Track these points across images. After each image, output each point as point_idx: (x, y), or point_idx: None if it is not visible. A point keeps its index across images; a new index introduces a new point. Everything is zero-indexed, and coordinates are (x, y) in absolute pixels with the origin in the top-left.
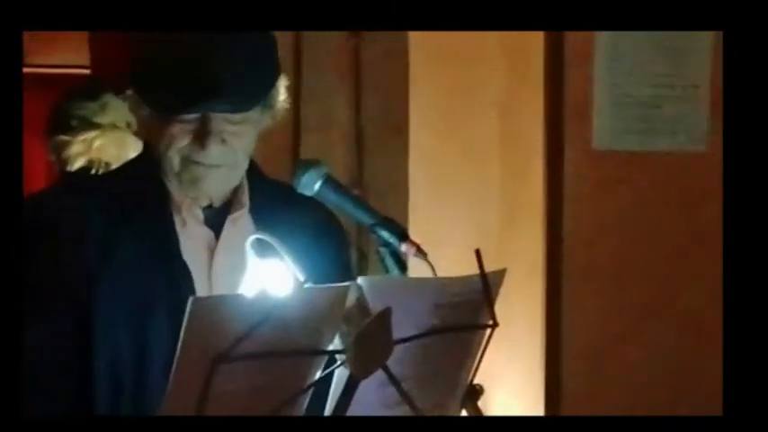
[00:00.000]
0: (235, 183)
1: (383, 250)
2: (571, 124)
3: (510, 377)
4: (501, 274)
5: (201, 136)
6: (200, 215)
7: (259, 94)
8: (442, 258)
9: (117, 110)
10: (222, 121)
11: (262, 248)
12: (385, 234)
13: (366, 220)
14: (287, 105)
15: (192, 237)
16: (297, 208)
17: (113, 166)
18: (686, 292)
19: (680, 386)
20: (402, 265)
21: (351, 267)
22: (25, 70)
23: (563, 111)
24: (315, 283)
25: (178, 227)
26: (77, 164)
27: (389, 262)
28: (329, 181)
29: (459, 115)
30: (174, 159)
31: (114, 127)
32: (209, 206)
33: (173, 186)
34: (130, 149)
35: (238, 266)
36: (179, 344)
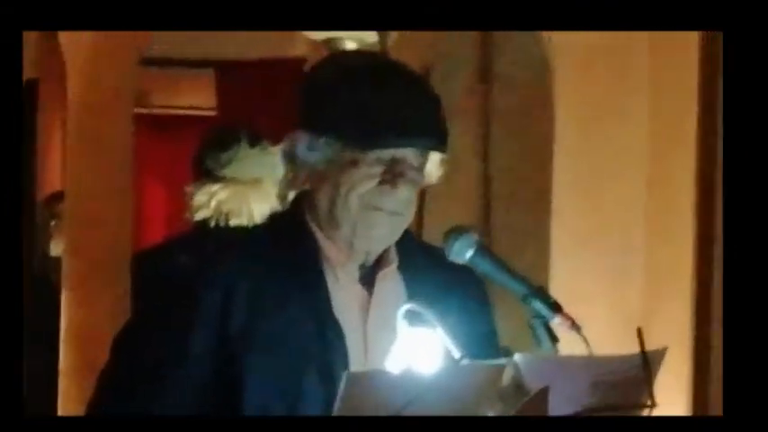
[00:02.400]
0: (398, 236)
1: (536, 322)
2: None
3: None
4: (662, 352)
5: (393, 177)
6: (356, 272)
7: (446, 138)
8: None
9: (246, 162)
10: (408, 167)
11: (413, 318)
12: (538, 305)
13: (519, 289)
14: (440, 174)
15: (345, 295)
16: (446, 271)
17: (233, 221)
18: None
19: None
20: (554, 338)
21: (497, 336)
22: (146, 111)
23: (714, 173)
24: (460, 350)
25: (330, 284)
26: (199, 215)
27: (541, 333)
28: (481, 249)
29: (605, 175)
30: (353, 204)
31: (238, 181)
32: (362, 264)
33: (328, 242)
34: (254, 205)
35: (390, 324)
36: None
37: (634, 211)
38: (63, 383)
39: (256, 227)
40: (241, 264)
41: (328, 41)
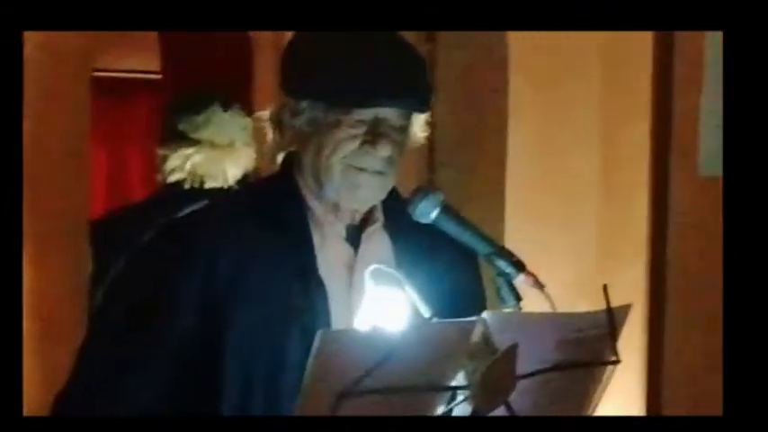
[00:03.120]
0: (383, 196)
1: (499, 280)
2: (677, 150)
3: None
4: (626, 309)
5: (374, 138)
6: (343, 231)
7: (429, 99)
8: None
9: (220, 126)
10: (390, 128)
11: (382, 278)
12: (502, 264)
13: (483, 249)
14: (424, 135)
15: (331, 254)
16: (432, 229)
17: (208, 184)
18: None
19: None
20: (517, 296)
21: (484, 298)
22: (96, 74)
23: (670, 138)
24: (446, 309)
25: (316, 243)
26: (173, 178)
27: (505, 292)
28: (446, 209)
29: (560, 144)
30: (335, 166)
31: (213, 144)
32: (350, 224)
33: (315, 201)
34: (228, 168)
35: None
36: (306, 375)
37: (587, 177)
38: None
39: (248, 186)
40: (230, 221)
41: None
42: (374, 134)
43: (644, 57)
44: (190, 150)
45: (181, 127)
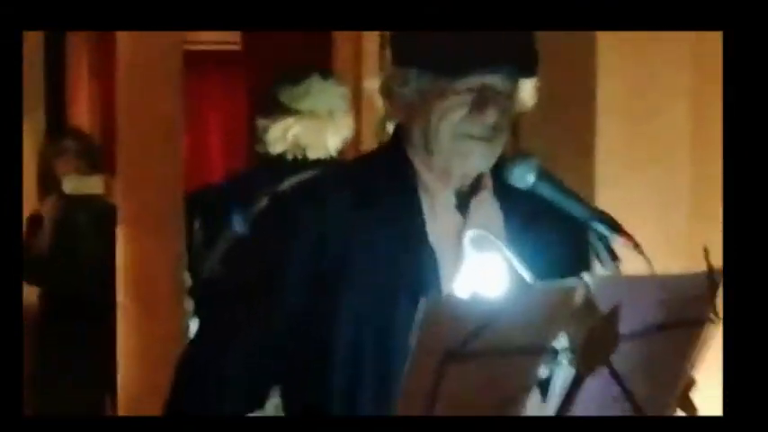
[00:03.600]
0: (492, 162)
1: (598, 244)
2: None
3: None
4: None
5: (481, 104)
6: (452, 198)
7: (535, 65)
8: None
9: (320, 96)
10: (497, 94)
11: (482, 244)
12: (600, 227)
13: (581, 213)
14: (533, 102)
15: (441, 221)
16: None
17: (310, 154)
18: None
19: None
20: (615, 258)
21: (589, 259)
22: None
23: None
24: (554, 275)
25: (426, 211)
26: (275, 149)
27: (604, 256)
28: (542, 174)
29: (647, 109)
30: (444, 134)
31: (313, 114)
32: (458, 191)
33: (425, 170)
34: (329, 138)
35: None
36: (413, 342)
37: (680, 140)
38: (120, 314)
39: (361, 157)
40: (339, 191)
41: None
42: (481, 101)
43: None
44: (290, 120)
45: (281, 98)
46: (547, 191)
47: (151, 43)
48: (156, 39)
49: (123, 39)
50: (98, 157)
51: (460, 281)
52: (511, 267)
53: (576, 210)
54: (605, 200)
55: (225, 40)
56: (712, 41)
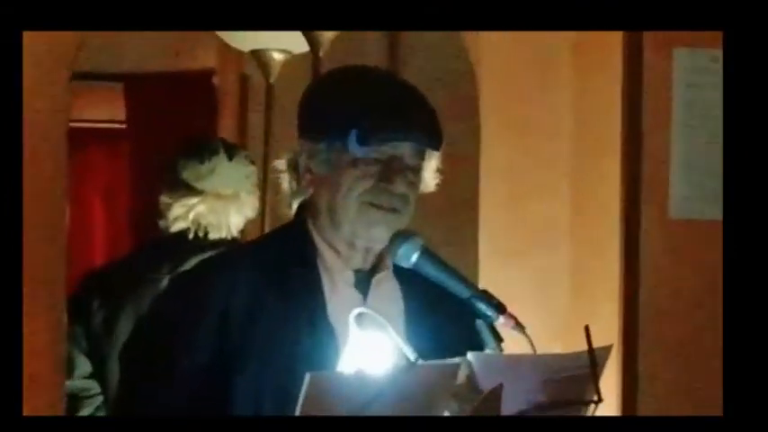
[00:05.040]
0: None
1: (480, 323)
2: (648, 193)
3: None
4: (608, 350)
5: (389, 174)
6: (352, 277)
7: (441, 140)
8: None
9: (225, 176)
10: (405, 166)
11: (367, 322)
12: (483, 307)
13: (464, 292)
14: (436, 182)
15: (341, 300)
16: None
17: (212, 234)
18: None
19: None
20: (499, 338)
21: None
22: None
23: (640, 180)
24: (449, 351)
25: (326, 290)
26: (176, 227)
27: (486, 335)
28: (426, 253)
29: (530, 186)
30: (351, 204)
31: (217, 195)
32: (359, 270)
33: (326, 248)
34: (232, 217)
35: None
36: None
37: (560, 222)
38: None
39: (265, 236)
40: (242, 269)
41: (255, 52)
42: (390, 172)
43: (614, 93)
44: (194, 200)
45: (185, 176)
46: (430, 269)
47: (34, 121)
48: (41, 115)
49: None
50: None
51: (345, 359)
52: (395, 346)
53: (458, 288)
54: (488, 282)
55: (110, 118)
56: (595, 114)
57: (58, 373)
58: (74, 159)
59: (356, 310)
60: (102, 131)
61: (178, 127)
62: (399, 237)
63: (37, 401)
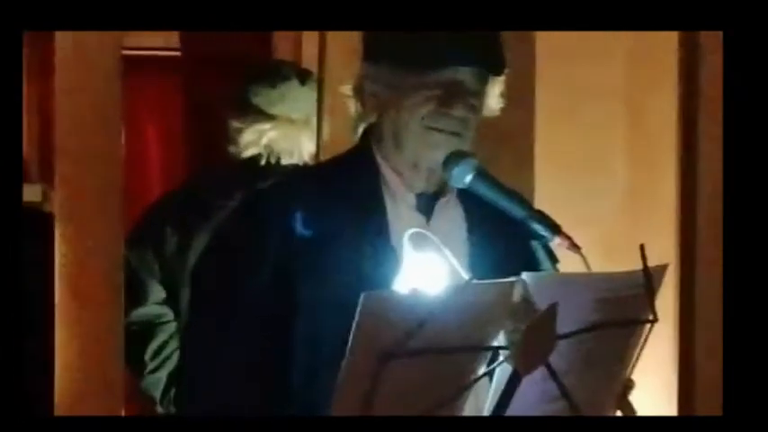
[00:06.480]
0: None
1: (535, 243)
2: (704, 122)
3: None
4: (663, 269)
5: (449, 99)
6: (413, 200)
7: (503, 65)
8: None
9: (297, 101)
10: (466, 90)
11: (422, 242)
12: (538, 227)
13: (519, 213)
14: (500, 106)
15: (403, 222)
16: None
17: (284, 160)
18: None
19: None
20: (554, 259)
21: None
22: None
23: (696, 108)
24: (508, 272)
25: (389, 212)
26: (248, 152)
27: (541, 255)
28: (481, 173)
29: (586, 115)
30: (413, 127)
31: (290, 120)
32: (422, 193)
33: (391, 172)
34: (304, 144)
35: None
36: (350, 338)
37: (615, 138)
38: (58, 312)
39: (330, 161)
40: (306, 192)
41: None
42: (450, 96)
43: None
44: (266, 126)
45: (256, 101)
46: (485, 190)
47: (89, 46)
48: (95, 41)
49: (61, 41)
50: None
51: (402, 279)
52: (451, 266)
53: (514, 209)
54: (544, 201)
55: (165, 45)
56: (651, 48)
57: (116, 301)
58: (128, 85)
59: (410, 231)
60: (157, 59)
61: (233, 52)
62: (453, 157)
63: (94, 327)
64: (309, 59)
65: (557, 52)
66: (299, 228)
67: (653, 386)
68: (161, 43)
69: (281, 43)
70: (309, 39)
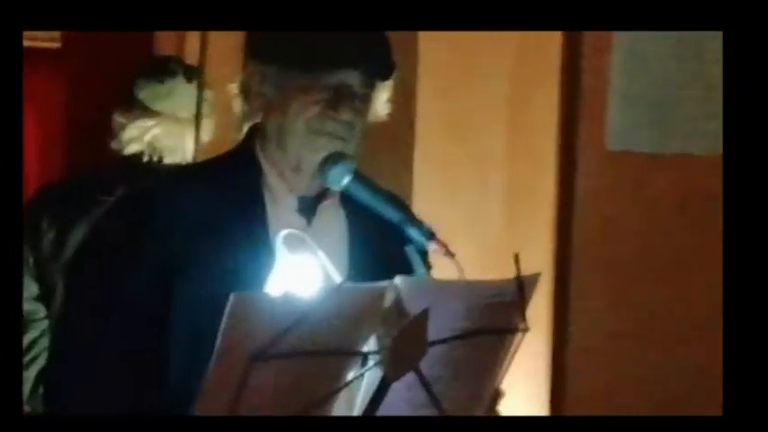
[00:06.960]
0: None
1: (410, 248)
2: (585, 124)
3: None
4: (535, 278)
5: (336, 102)
6: (295, 202)
7: (391, 69)
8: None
9: (182, 98)
10: (353, 94)
11: (295, 243)
12: (413, 232)
13: (395, 216)
14: (386, 112)
15: (283, 223)
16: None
17: (167, 158)
18: (695, 295)
19: (682, 387)
20: (428, 264)
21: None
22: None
23: (578, 111)
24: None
25: (269, 213)
26: (130, 149)
27: (416, 260)
28: (358, 176)
29: (468, 113)
30: (298, 129)
31: (174, 118)
32: (304, 196)
33: (273, 172)
34: (188, 143)
35: (327, 254)
36: (219, 338)
37: (495, 146)
38: None
39: (212, 159)
40: (187, 190)
41: None
42: (337, 99)
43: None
44: (150, 122)
45: (141, 96)
46: (362, 193)
47: None
48: None
49: None
50: None
51: (273, 280)
52: (324, 270)
53: (390, 213)
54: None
55: (45, 36)
56: (534, 49)
57: None
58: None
59: (284, 232)
60: (36, 51)
61: (115, 46)
62: (331, 159)
63: None
64: (192, 55)
65: (439, 57)
66: (178, 226)
67: (523, 395)
68: (40, 35)
69: (164, 38)
70: (192, 34)
